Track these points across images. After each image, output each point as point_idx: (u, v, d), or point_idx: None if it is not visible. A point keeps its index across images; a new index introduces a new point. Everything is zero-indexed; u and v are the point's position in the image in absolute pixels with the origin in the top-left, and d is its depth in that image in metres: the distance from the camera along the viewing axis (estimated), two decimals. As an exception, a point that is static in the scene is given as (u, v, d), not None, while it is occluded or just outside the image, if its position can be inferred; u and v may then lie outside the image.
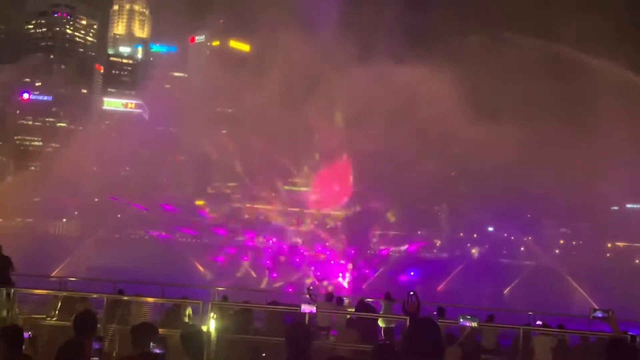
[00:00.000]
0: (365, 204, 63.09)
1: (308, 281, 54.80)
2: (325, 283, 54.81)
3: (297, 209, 66.31)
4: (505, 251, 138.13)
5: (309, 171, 64.64)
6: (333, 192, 63.42)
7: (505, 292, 67.32)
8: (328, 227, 62.59)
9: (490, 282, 67.75)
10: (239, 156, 65.23)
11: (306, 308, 15.78)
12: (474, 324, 15.09)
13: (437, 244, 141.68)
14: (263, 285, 54.47)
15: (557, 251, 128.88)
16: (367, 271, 59.55)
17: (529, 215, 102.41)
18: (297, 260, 58.47)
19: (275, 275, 56.88)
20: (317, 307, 17.74)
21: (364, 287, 55.65)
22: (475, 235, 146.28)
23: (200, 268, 64.14)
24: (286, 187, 68.92)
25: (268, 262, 59.16)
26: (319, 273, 57.04)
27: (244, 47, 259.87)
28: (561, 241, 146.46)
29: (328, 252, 59.37)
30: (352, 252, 59.72)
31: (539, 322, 22.21)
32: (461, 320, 15.09)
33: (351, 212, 63.10)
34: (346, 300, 27.69)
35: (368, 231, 65.39)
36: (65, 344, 8.38)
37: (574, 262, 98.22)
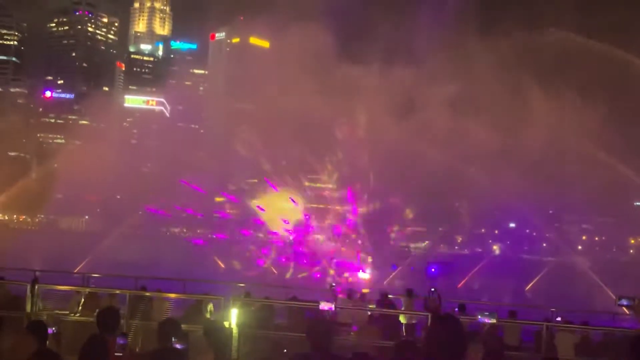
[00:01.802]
0: (385, 200, 63.13)
1: (331, 272, 55.20)
2: (346, 274, 55.13)
3: (319, 206, 66.45)
4: (526, 247, 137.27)
5: (332, 168, 64.76)
6: (354, 189, 63.57)
7: (527, 288, 66.84)
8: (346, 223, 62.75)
9: (512, 279, 67.31)
10: (262, 152, 65.41)
11: (324, 305, 15.79)
12: (493, 320, 15.03)
13: (459, 240, 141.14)
14: (288, 275, 55.02)
15: (579, 247, 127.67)
16: (394, 265, 59.77)
17: (550, 212, 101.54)
18: (320, 254, 58.77)
19: (304, 262, 57.26)
20: (336, 304, 17.76)
21: (384, 283, 55.63)
22: (496, 232, 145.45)
23: (221, 264, 64.41)
24: (308, 184, 69.02)
25: (288, 257, 59.45)
26: (335, 260, 57.36)
27: (264, 43, 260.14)
28: (584, 237, 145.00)
29: (357, 250, 59.54)
30: (372, 247, 59.82)
31: (558, 319, 22.03)
32: (479, 316, 15.02)
33: (371, 208, 63.22)
34: (363, 291, 27.75)
35: (387, 227, 65.44)
36: (89, 339, 8.44)
37: (597, 258, 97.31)
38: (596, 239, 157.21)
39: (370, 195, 63.36)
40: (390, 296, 26.59)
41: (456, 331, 5.69)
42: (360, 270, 57.75)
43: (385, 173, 61.39)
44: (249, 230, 69.36)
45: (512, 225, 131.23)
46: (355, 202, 62.04)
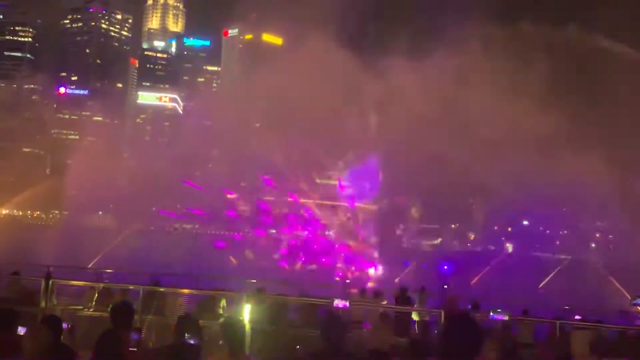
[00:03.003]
0: (393, 199, 63.23)
1: (338, 265, 55.48)
2: (352, 268, 55.36)
3: (330, 203, 66.56)
4: (538, 245, 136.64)
5: (343, 166, 64.89)
6: (364, 187, 63.70)
7: (540, 286, 66.59)
8: (360, 221, 62.84)
9: (526, 276, 67.07)
10: (275, 149, 65.55)
11: (339, 303, 15.81)
12: (505, 318, 14.97)
13: (471, 238, 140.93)
14: (297, 266, 55.33)
15: (593, 245, 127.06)
16: (406, 262, 59.79)
17: (564, 209, 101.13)
18: (330, 249, 59.04)
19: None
20: (350, 301, 17.73)
21: (396, 280, 55.58)
22: (509, 229, 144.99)
23: (234, 260, 64.55)
24: (319, 180, 69.13)
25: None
26: (343, 254, 57.59)
27: (277, 40, 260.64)
28: (597, 235, 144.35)
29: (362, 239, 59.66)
30: (380, 246, 59.93)
31: (577, 317, 21.84)
32: (491, 314, 14.95)
33: (381, 205, 63.35)
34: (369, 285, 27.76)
35: (396, 225, 65.54)
36: (103, 334, 8.46)
37: (611, 256, 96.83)
38: (610, 237, 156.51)
39: (383, 193, 63.39)
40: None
41: (473, 329, 5.66)
42: (373, 267, 57.80)
43: (398, 170, 61.36)
44: (261, 230, 69.54)
45: (525, 223, 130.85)
46: (352, 199, 62.29)
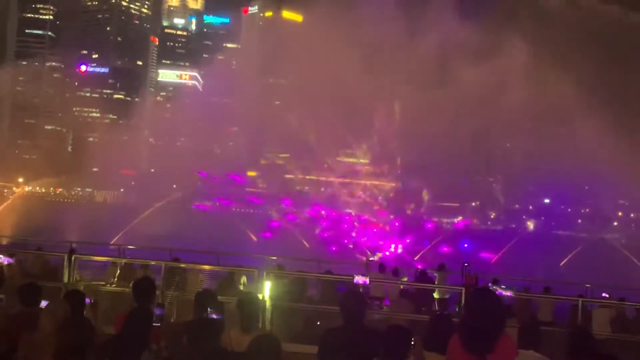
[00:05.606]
0: (411, 178, 63.11)
1: (353, 235, 55.88)
2: (365, 239, 55.73)
3: (349, 180, 66.52)
4: (554, 223, 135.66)
5: (365, 147, 64.79)
6: (383, 167, 63.73)
7: (561, 264, 66.28)
8: (380, 199, 62.87)
9: (547, 254, 66.76)
10: (296, 127, 65.43)
11: (359, 279, 15.82)
12: (509, 293, 15.01)
13: (492, 216, 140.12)
14: (317, 230, 55.77)
15: (615, 223, 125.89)
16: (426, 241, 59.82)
17: (586, 187, 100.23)
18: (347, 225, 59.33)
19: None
20: (370, 278, 17.77)
21: (416, 258, 55.62)
22: (530, 207, 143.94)
23: (254, 237, 64.84)
24: (342, 158, 69.00)
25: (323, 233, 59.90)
26: (357, 225, 57.86)
27: (297, 17, 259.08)
28: (619, 213, 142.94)
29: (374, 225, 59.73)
30: (397, 223, 59.91)
31: (605, 295, 21.76)
32: (496, 289, 14.96)
33: (399, 185, 63.33)
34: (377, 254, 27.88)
35: (411, 204, 65.46)
36: (134, 311, 8.48)
37: (633, 235, 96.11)
38: (632, 215, 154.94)
39: (402, 171, 63.25)
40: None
41: (495, 305, 5.63)
42: (392, 247, 57.85)
43: (419, 149, 61.12)
44: (295, 215, 69.58)
45: (546, 201, 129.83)
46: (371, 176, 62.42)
